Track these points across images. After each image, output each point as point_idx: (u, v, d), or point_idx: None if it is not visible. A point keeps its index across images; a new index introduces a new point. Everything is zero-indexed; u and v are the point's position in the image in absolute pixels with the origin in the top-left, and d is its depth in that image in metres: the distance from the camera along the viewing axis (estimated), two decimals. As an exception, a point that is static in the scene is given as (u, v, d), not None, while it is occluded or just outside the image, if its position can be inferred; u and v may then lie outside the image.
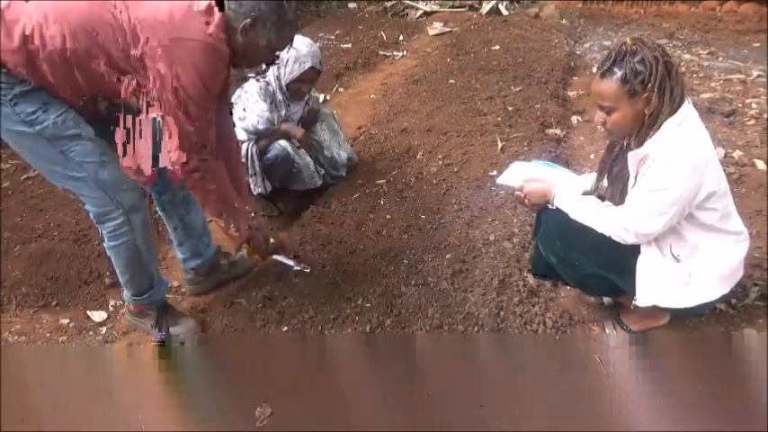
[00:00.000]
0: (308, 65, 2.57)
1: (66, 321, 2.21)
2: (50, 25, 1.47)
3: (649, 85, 1.51)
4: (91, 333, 2.16)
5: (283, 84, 2.65)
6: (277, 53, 1.76)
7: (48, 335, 2.14)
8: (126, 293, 2.01)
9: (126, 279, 1.93)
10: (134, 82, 1.58)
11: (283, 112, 2.74)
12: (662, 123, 1.55)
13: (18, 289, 2.31)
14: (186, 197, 2.09)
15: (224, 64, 1.62)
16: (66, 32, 1.48)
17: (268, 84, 2.66)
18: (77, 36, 1.49)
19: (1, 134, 1.59)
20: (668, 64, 1.52)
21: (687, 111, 1.57)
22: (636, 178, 1.66)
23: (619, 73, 1.53)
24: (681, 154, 1.54)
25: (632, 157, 1.63)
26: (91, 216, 1.78)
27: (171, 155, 1.65)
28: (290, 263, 2.23)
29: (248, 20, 1.58)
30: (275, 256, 2.22)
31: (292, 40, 1.77)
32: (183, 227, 2.16)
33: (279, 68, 2.60)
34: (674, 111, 1.55)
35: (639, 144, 1.60)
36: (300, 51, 2.55)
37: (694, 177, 1.55)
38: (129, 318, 2.11)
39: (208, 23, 1.52)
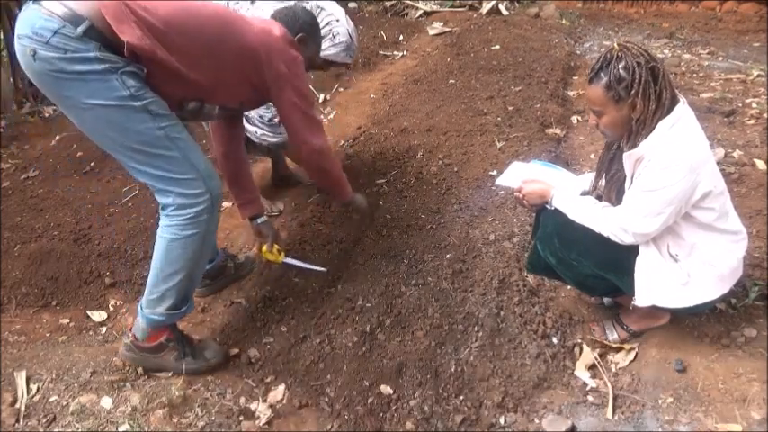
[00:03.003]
0: (349, 59, 2.66)
1: (66, 321, 2.21)
2: (194, 35, 1.64)
3: (633, 90, 1.54)
4: (91, 333, 2.16)
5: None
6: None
7: (48, 335, 2.14)
8: (151, 311, 1.75)
9: (169, 286, 1.72)
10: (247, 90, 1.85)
11: None
12: (656, 125, 1.57)
13: (18, 289, 2.31)
14: None
15: None
16: (206, 44, 1.66)
17: None
18: (213, 42, 1.68)
19: (85, 110, 1.55)
20: (654, 69, 1.55)
21: (682, 111, 1.59)
22: (632, 179, 1.67)
23: (604, 79, 1.57)
24: (675, 154, 1.55)
25: (628, 158, 1.65)
26: (171, 203, 1.66)
27: (313, 139, 1.96)
28: (304, 265, 2.22)
29: (300, 34, 1.97)
30: (286, 260, 2.22)
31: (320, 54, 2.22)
32: None
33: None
34: (666, 112, 1.57)
35: (632, 146, 1.61)
36: (354, 44, 2.60)
37: (689, 177, 1.56)
38: (135, 355, 1.81)
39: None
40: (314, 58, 2.15)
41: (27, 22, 1.47)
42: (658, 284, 1.69)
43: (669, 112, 1.57)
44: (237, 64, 1.75)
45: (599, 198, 1.84)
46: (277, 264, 2.22)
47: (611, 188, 1.80)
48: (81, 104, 1.53)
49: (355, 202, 2.37)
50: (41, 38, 1.44)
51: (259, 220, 2.20)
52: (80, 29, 1.44)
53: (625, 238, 1.66)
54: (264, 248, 2.18)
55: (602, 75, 1.58)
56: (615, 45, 1.59)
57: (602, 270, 1.79)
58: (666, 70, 1.60)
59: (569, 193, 1.83)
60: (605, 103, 1.59)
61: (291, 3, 2.05)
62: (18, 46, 1.49)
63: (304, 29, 2.00)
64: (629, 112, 1.58)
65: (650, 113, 1.56)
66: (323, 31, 2.49)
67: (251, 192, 2.20)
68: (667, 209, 1.58)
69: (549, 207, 1.85)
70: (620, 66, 1.55)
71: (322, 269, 2.22)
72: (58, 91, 1.54)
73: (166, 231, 1.70)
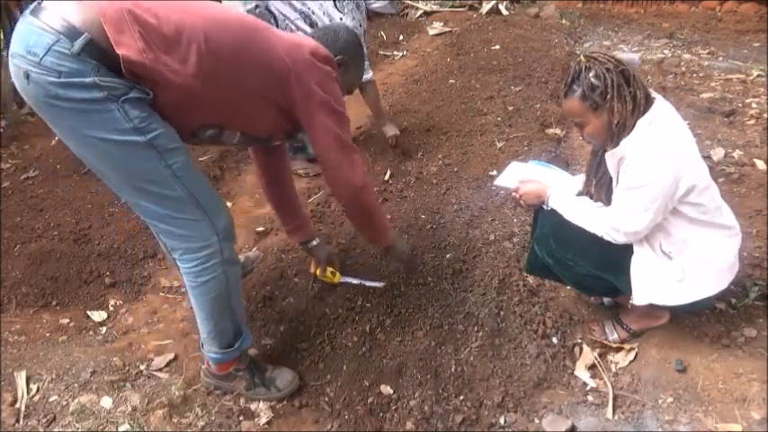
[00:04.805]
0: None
1: (66, 321, 2.21)
2: (213, 46, 1.42)
3: (608, 95, 1.57)
4: (91, 333, 2.16)
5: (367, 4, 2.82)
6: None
7: (48, 335, 2.13)
8: (209, 350, 1.73)
9: (210, 328, 1.68)
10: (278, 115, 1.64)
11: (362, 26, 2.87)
12: (635, 124, 1.60)
13: (18, 289, 2.30)
14: None
15: None
16: (228, 56, 1.46)
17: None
18: (237, 64, 1.48)
19: (85, 143, 1.40)
20: (624, 72, 1.59)
21: (659, 108, 1.62)
22: (617, 178, 1.70)
23: (578, 90, 1.61)
24: (653, 151, 1.58)
25: (610, 157, 1.67)
26: (178, 247, 1.56)
27: (355, 176, 1.73)
28: (361, 282, 2.21)
29: (340, 56, 1.75)
30: (344, 279, 2.21)
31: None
32: None
33: None
34: (643, 111, 1.60)
35: (615, 146, 1.64)
36: None
37: (670, 172, 1.58)
38: (211, 380, 1.82)
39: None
40: (351, 85, 1.92)
41: (21, 39, 1.30)
42: (654, 282, 1.70)
43: (646, 110, 1.61)
44: (262, 82, 1.54)
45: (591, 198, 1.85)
46: (333, 284, 2.20)
47: (601, 190, 1.83)
48: (81, 136, 1.38)
49: (396, 247, 2.11)
50: (34, 56, 1.27)
51: (310, 245, 2.14)
52: (77, 44, 1.26)
53: (617, 238, 1.67)
54: (318, 271, 2.17)
55: (575, 87, 1.62)
56: (581, 57, 1.63)
57: (598, 270, 1.80)
58: (636, 72, 1.64)
59: (565, 193, 1.84)
60: (584, 113, 1.63)
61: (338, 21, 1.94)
62: (11, 66, 1.32)
63: (345, 50, 1.78)
64: (609, 117, 1.61)
65: (628, 114, 1.59)
66: None
67: (298, 218, 2.11)
68: (653, 204, 1.60)
69: (545, 207, 1.85)
70: (590, 75, 1.58)
71: (379, 284, 2.18)
72: (55, 119, 1.38)
73: (185, 279, 1.62)
